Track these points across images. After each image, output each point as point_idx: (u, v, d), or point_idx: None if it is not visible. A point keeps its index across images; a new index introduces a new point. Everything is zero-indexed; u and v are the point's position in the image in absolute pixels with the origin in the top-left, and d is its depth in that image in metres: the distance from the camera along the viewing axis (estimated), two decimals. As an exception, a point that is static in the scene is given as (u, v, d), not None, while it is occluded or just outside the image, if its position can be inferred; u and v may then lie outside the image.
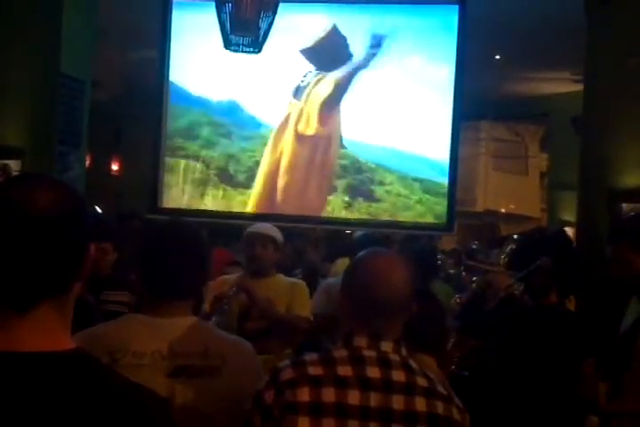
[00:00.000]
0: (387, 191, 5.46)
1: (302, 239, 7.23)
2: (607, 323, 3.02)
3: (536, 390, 2.88)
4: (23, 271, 1.03)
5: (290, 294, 3.52)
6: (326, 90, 5.48)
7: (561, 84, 8.81)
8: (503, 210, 10.74)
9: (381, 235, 5.22)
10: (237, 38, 3.53)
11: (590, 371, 2.69)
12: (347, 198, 5.48)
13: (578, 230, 4.92)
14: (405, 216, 5.46)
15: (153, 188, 5.68)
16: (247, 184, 5.58)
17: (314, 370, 1.53)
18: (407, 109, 5.38)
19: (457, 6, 5.30)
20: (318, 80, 5.50)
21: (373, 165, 5.47)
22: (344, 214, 5.50)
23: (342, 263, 4.83)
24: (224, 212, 5.60)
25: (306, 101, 5.50)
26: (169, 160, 5.67)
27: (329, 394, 1.50)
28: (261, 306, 3.40)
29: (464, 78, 5.27)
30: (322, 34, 5.46)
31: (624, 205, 4.43)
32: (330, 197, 5.50)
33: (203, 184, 5.63)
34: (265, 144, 5.55)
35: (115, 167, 11.21)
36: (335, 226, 5.80)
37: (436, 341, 2.17)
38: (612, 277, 2.88)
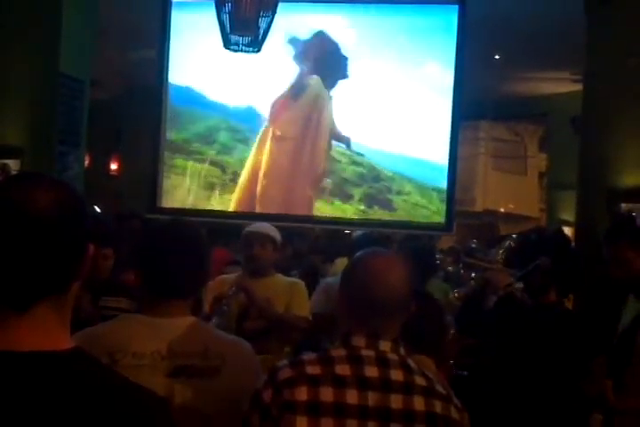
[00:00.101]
0: (404, 201, 5.44)
1: (302, 239, 7.23)
2: (605, 322, 3.02)
3: (535, 389, 2.89)
4: (22, 271, 1.03)
5: (289, 294, 3.52)
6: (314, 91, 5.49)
7: (560, 84, 8.81)
8: (502, 210, 10.74)
9: (381, 235, 5.22)
10: (237, 38, 3.53)
11: (600, 369, 2.70)
12: (362, 207, 5.46)
13: (577, 230, 4.92)
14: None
15: (152, 187, 5.68)
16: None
17: (312, 369, 1.54)
18: (406, 109, 5.38)
19: (456, 6, 5.30)
20: (307, 80, 5.52)
21: (390, 174, 5.43)
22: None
23: (341, 263, 4.83)
24: (224, 211, 5.60)
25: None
26: (178, 161, 5.67)
27: (327, 393, 1.50)
28: (260, 306, 3.40)
29: (463, 78, 5.28)
30: (312, 39, 5.46)
31: (623, 205, 4.43)
32: (345, 205, 5.47)
33: (213, 187, 5.63)
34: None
35: (114, 167, 11.21)
36: (335, 226, 5.80)
37: (434, 341, 2.17)
38: (611, 276, 2.89)
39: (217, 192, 5.62)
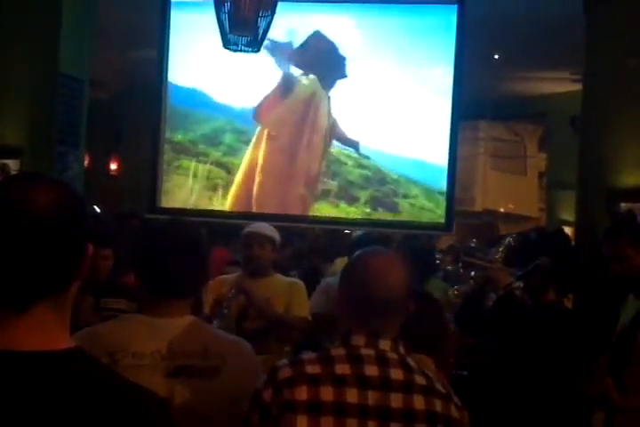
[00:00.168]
0: (411, 204, 5.42)
1: (302, 239, 7.23)
2: (604, 321, 3.03)
3: (535, 389, 2.89)
4: (22, 270, 1.03)
5: (288, 294, 3.52)
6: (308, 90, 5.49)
7: (560, 84, 8.81)
8: (502, 209, 10.73)
9: (381, 234, 5.22)
10: (236, 38, 3.53)
11: (601, 368, 2.70)
12: (368, 210, 5.45)
13: (577, 230, 4.92)
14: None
15: (152, 187, 5.68)
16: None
17: (312, 369, 1.54)
18: (405, 109, 5.38)
19: (455, 6, 5.30)
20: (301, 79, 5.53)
21: (396, 176, 5.41)
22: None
23: (341, 263, 4.83)
24: (223, 211, 5.60)
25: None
26: (183, 162, 5.67)
27: (327, 393, 1.50)
28: (260, 307, 3.40)
29: (463, 78, 5.27)
30: (308, 39, 5.46)
31: (622, 205, 4.44)
32: (350, 208, 5.45)
33: (216, 188, 5.63)
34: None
35: (114, 167, 11.20)
36: (335, 226, 5.80)
37: (434, 341, 2.17)
38: (611, 274, 2.89)
39: (220, 193, 5.62)
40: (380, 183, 5.43)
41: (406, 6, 5.52)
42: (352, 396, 1.50)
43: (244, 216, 5.29)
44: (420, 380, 1.57)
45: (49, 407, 0.99)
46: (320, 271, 5.79)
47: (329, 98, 5.48)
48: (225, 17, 3.47)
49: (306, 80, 5.51)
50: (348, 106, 5.47)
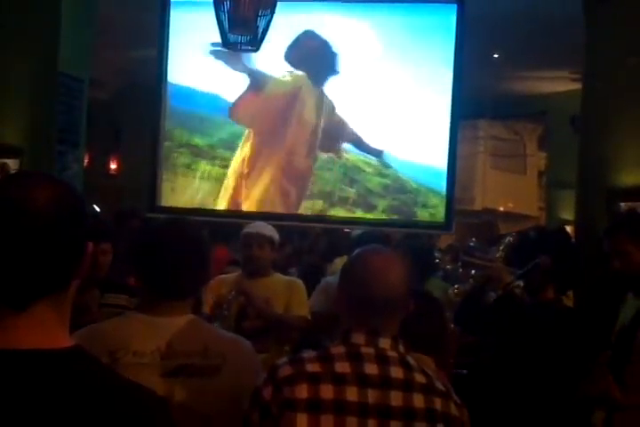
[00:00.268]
0: (431, 214, 5.42)
1: (303, 238, 7.23)
2: (604, 319, 3.03)
3: (534, 387, 2.89)
4: (21, 269, 1.03)
5: (288, 293, 3.52)
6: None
7: (559, 83, 8.81)
8: (501, 208, 10.73)
9: (381, 233, 5.21)
10: (235, 37, 3.53)
11: (601, 368, 2.70)
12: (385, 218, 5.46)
13: (576, 229, 4.92)
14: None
15: (152, 186, 5.68)
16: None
17: (311, 367, 1.54)
18: (404, 108, 5.37)
19: (455, 5, 5.30)
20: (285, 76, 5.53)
21: (416, 186, 5.39)
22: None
23: (341, 262, 4.81)
24: (224, 210, 5.60)
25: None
26: (201, 165, 5.66)
27: (327, 391, 1.50)
28: (260, 307, 3.40)
29: (462, 77, 5.27)
30: (300, 37, 5.45)
31: (622, 204, 4.43)
32: (367, 215, 5.44)
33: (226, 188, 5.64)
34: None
35: (113, 167, 11.20)
36: (335, 225, 5.80)
37: (434, 340, 2.17)
38: (611, 271, 2.89)
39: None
40: (399, 192, 5.40)
41: (406, 6, 5.52)
42: (352, 394, 1.50)
43: (245, 216, 5.29)
44: (419, 378, 1.57)
45: (48, 406, 0.99)
46: (320, 270, 5.78)
47: (322, 93, 5.46)
48: (224, 16, 3.47)
49: (290, 76, 5.49)
50: (349, 106, 5.46)
